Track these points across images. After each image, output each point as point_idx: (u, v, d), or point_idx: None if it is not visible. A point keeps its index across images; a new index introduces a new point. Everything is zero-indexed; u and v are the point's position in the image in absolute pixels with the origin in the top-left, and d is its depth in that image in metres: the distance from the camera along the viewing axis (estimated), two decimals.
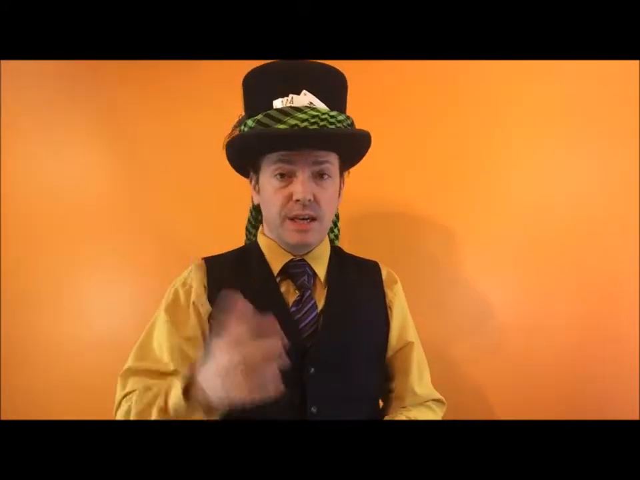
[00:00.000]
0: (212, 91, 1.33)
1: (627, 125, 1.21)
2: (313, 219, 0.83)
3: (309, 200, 0.80)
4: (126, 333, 1.28)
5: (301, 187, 0.80)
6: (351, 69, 0.89)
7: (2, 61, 1.34)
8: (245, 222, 1.02)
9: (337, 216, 1.03)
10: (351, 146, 0.87)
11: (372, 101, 1.25)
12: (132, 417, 0.73)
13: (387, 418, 0.89)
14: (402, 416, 0.87)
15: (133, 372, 0.82)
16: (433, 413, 0.93)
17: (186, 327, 0.83)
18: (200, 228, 1.31)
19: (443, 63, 1.21)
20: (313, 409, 0.79)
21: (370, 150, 0.91)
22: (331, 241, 1.00)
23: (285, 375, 0.77)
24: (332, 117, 0.81)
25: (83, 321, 1.34)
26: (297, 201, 0.80)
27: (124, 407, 0.76)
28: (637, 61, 1.19)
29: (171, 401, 0.68)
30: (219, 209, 1.29)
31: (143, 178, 1.35)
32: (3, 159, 1.36)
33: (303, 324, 0.83)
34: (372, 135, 0.85)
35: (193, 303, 0.84)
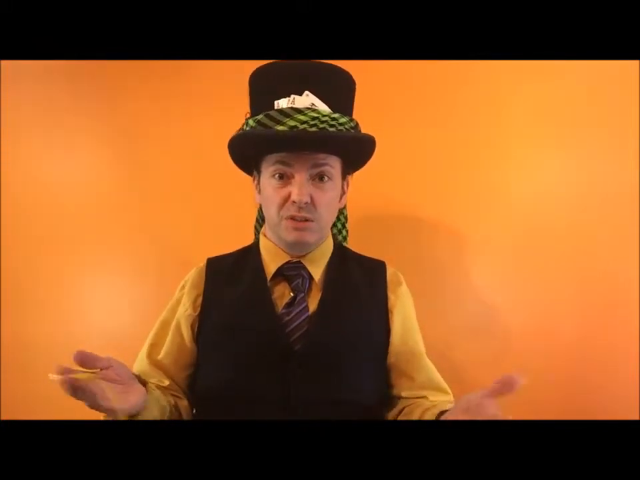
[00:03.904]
0: (214, 91, 1.33)
1: (627, 124, 1.21)
2: (310, 220, 0.83)
3: (305, 203, 0.80)
4: (126, 334, 1.29)
5: (297, 189, 0.80)
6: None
7: (2, 61, 1.34)
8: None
9: (346, 217, 1.03)
10: (352, 150, 0.85)
11: (373, 102, 1.24)
12: None
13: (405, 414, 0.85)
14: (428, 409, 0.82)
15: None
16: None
17: (174, 341, 0.89)
18: (200, 230, 1.31)
19: (446, 62, 1.21)
20: (298, 410, 0.77)
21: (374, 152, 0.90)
22: (339, 242, 0.99)
23: (271, 376, 0.78)
24: (333, 119, 0.79)
25: (82, 322, 1.34)
26: (294, 202, 0.80)
27: None
28: (637, 61, 1.19)
29: None
30: (219, 211, 1.29)
31: (143, 179, 1.35)
32: (2, 160, 1.36)
33: (292, 326, 0.82)
34: (373, 135, 0.85)
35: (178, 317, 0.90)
